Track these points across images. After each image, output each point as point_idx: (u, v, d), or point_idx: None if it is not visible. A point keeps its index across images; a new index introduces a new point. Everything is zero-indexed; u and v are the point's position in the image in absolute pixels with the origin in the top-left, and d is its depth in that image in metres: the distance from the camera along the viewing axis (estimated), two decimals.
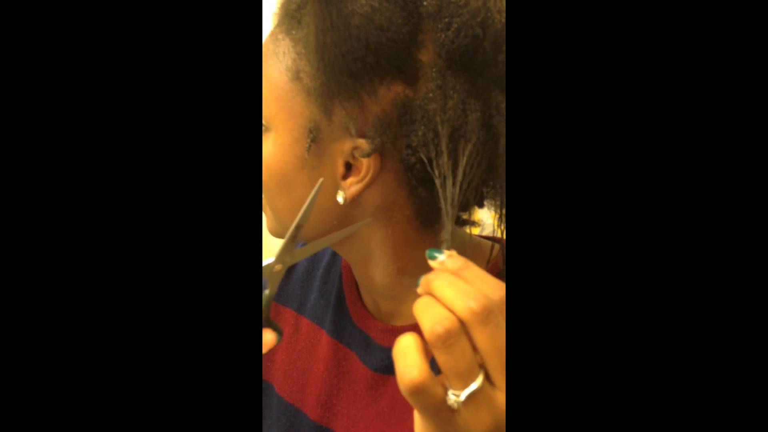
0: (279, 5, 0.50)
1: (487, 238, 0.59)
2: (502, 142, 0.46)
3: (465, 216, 0.54)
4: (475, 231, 0.57)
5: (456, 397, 0.33)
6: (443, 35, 0.44)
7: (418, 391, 0.33)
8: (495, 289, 0.35)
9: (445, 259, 0.36)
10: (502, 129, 0.46)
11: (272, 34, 0.50)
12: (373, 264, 0.54)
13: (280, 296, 0.67)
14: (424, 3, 0.45)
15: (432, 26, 0.45)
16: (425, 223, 0.51)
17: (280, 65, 0.48)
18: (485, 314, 0.33)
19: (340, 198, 0.48)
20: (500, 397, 0.34)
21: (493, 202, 0.50)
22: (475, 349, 0.33)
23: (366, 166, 0.47)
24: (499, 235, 0.53)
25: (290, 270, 0.67)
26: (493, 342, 0.33)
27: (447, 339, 0.33)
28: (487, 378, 0.34)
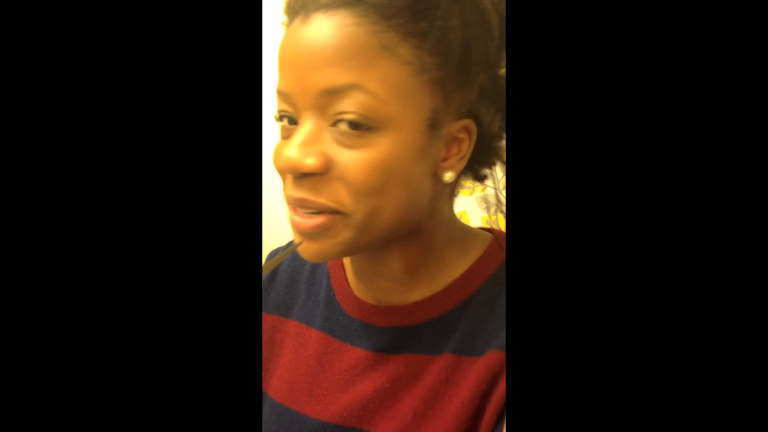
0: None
1: (482, 229, 0.60)
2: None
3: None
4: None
5: None
6: None
7: None
8: None
9: None
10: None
11: (359, 26, 0.46)
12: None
13: (264, 305, 0.66)
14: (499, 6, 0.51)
15: None
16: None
17: (393, 59, 0.47)
18: None
19: (448, 177, 0.51)
20: None
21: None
22: None
23: (467, 142, 0.51)
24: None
25: (272, 278, 0.67)
26: None
27: None
28: None
